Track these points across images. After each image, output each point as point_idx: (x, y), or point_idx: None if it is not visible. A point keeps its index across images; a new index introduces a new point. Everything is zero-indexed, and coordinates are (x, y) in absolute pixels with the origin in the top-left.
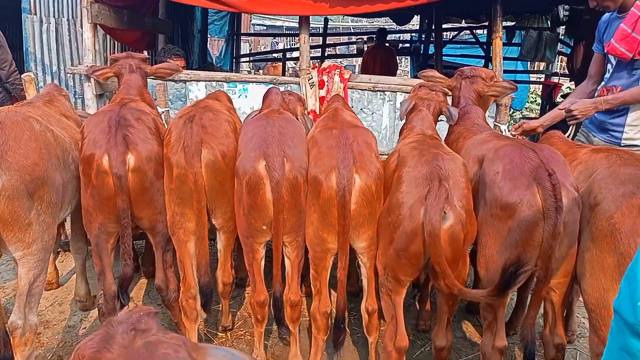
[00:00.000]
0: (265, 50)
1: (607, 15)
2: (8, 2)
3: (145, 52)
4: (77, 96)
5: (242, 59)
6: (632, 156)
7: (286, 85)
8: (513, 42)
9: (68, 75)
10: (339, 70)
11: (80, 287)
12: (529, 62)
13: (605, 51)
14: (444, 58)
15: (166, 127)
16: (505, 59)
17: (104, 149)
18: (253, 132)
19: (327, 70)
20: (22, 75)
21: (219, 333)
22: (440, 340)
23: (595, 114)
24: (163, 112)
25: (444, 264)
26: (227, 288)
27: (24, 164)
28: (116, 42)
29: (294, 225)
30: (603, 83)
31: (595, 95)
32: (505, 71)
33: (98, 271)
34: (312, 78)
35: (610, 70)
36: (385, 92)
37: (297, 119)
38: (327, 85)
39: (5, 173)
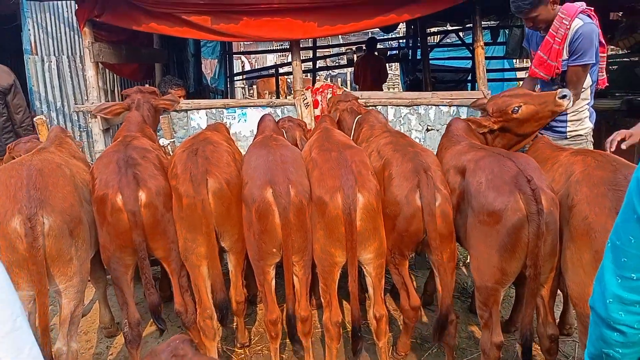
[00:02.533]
0: (258, 67)
1: None
2: (10, 44)
3: (147, 83)
4: (81, 129)
5: (236, 77)
6: (605, 158)
7: (282, 107)
8: (498, 41)
9: (73, 111)
10: (331, 89)
11: (104, 315)
12: (515, 60)
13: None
14: (432, 62)
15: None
16: (491, 58)
17: (117, 188)
18: (257, 162)
19: (320, 90)
20: (34, 119)
21: (237, 350)
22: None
23: None
24: (169, 143)
25: (438, 238)
26: (241, 306)
27: (64, 206)
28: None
29: (301, 246)
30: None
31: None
32: (492, 70)
33: (120, 302)
34: (306, 98)
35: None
36: (377, 106)
37: (297, 143)
38: (321, 104)
39: (51, 215)
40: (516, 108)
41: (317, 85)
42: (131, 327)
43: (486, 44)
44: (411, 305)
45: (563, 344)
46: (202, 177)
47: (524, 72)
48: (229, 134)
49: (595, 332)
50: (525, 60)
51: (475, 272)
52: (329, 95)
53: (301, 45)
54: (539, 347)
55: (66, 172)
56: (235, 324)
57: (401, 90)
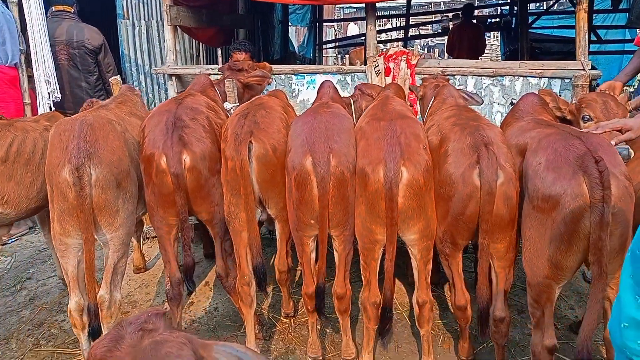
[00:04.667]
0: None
1: None
2: (103, 9)
3: (219, 49)
4: (167, 92)
5: (327, 46)
6: None
7: (353, 74)
8: (620, 7)
9: (152, 73)
10: (405, 55)
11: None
12: (638, 30)
13: None
14: (540, 31)
15: None
16: (610, 27)
17: (162, 149)
18: (301, 129)
19: (394, 56)
20: (110, 79)
21: (282, 318)
22: (499, 311)
23: None
24: (232, 107)
25: (495, 222)
26: (283, 276)
27: (112, 159)
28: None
29: (341, 220)
30: None
31: None
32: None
33: (164, 260)
34: (377, 65)
35: None
36: (455, 76)
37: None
38: (393, 72)
39: (99, 166)
40: (587, 117)
41: (391, 51)
42: (172, 285)
43: (604, 10)
44: (456, 305)
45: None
46: (245, 138)
47: None
48: (288, 100)
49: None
50: None
51: (527, 265)
52: (402, 63)
53: (394, 12)
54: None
55: (117, 128)
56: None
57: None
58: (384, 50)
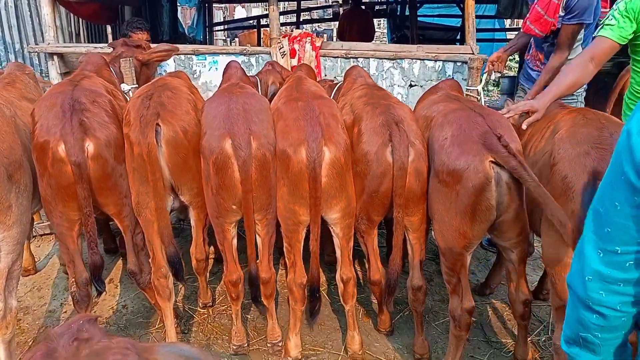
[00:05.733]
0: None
1: None
2: None
3: (109, 27)
4: (42, 74)
5: (216, 28)
6: (595, 115)
7: (257, 55)
8: None
9: (27, 52)
10: (310, 37)
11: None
12: (505, 20)
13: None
14: (421, 19)
15: None
16: (481, 17)
17: (59, 136)
18: (217, 110)
19: (298, 38)
20: None
21: (200, 309)
22: (417, 280)
23: (529, 71)
24: (130, 89)
25: (407, 196)
26: (201, 264)
27: (1, 147)
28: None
29: (264, 203)
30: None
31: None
32: (482, 30)
33: (67, 260)
34: (282, 47)
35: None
36: (358, 59)
37: (268, 87)
38: (299, 54)
39: None
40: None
41: (295, 33)
42: (79, 286)
43: (476, 1)
44: (372, 279)
45: (538, 309)
46: (152, 120)
47: (515, 32)
48: (191, 82)
49: (573, 314)
50: (516, 21)
51: (438, 236)
52: (307, 45)
53: None
54: (512, 312)
55: (5, 112)
56: (198, 282)
57: None
58: (288, 32)
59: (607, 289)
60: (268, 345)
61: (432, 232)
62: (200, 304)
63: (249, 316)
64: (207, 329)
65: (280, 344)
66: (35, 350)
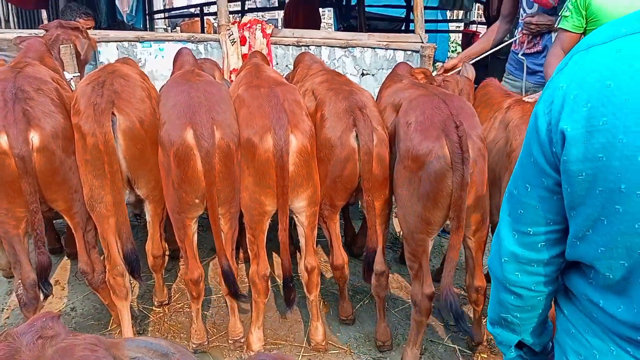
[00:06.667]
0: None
1: None
2: None
3: (44, 12)
4: None
5: (157, 16)
6: None
7: (205, 42)
8: None
9: None
10: (260, 25)
11: (1, 257)
12: (447, 11)
13: None
14: (368, 9)
15: None
16: (425, 8)
17: (1, 127)
18: (176, 99)
19: (248, 25)
20: None
21: (155, 308)
22: (380, 265)
23: (516, 57)
24: (72, 77)
25: (373, 181)
26: (158, 261)
27: None
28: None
29: (228, 196)
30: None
31: (516, 35)
32: (426, 21)
33: (12, 260)
34: (232, 34)
35: (523, 15)
36: (310, 47)
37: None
38: (249, 42)
39: None
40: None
41: (245, 19)
42: (26, 288)
43: None
44: (334, 264)
45: None
46: (107, 108)
47: (457, 23)
48: (140, 69)
49: (494, 296)
50: (457, 12)
51: (401, 222)
52: (258, 32)
53: None
54: (467, 297)
55: None
56: (152, 280)
57: None
58: (237, 18)
59: (521, 269)
60: (229, 342)
61: (394, 219)
62: (155, 303)
63: (207, 313)
64: (164, 328)
65: (242, 340)
66: None
